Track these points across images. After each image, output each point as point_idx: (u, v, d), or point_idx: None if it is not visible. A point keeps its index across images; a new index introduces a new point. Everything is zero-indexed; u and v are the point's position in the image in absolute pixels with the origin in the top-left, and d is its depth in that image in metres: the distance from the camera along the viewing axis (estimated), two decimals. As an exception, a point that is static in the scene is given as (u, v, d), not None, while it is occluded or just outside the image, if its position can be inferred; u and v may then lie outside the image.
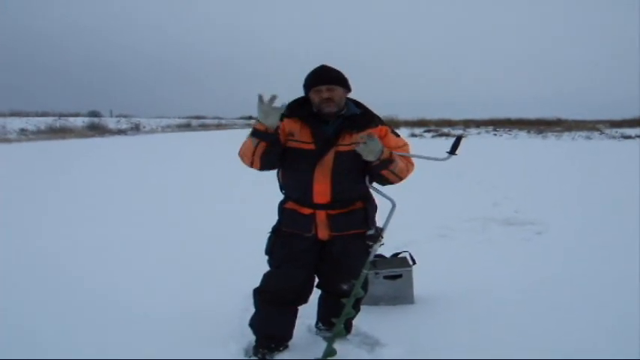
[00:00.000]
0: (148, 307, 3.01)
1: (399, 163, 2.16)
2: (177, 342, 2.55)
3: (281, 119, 2.17)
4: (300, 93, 2.29)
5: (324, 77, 2.18)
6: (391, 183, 2.22)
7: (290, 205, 2.29)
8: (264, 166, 2.18)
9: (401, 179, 2.22)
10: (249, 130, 2.18)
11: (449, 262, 3.89)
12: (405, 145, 2.30)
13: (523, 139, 25.29)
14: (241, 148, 2.19)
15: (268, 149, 2.08)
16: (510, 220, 5.36)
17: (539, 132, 28.93)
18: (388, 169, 2.12)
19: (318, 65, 2.25)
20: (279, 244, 2.31)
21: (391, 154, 2.12)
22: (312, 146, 2.16)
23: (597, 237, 4.64)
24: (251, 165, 2.17)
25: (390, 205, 2.26)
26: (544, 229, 4.96)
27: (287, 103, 2.17)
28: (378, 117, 2.32)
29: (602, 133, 27.23)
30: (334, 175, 2.16)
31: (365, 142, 2.01)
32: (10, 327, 2.79)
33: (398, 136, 2.32)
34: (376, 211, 2.38)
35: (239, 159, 2.22)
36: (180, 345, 2.52)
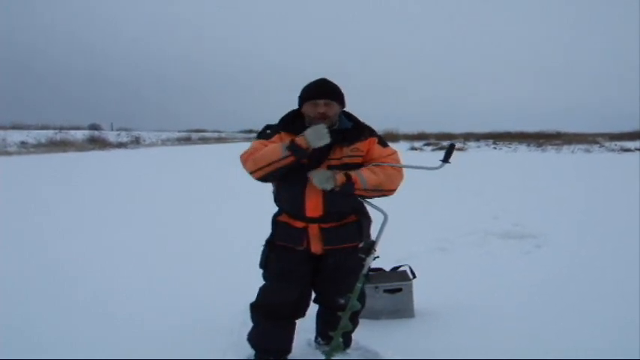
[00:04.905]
0: (145, 316, 3.04)
1: (370, 179, 2.11)
2: (174, 351, 2.56)
3: (277, 133, 2.20)
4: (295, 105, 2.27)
5: (324, 91, 2.18)
6: (382, 196, 2.19)
7: (283, 217, 2.29)
8: (267, 178, 2.16)
9: (389, 191, 2.18)
10: (248, 143, 2.20)
11: (449, 276, 3.87)
12: (393, 154, 2.26)
13: (523, 152, 25.36)
14: (253, 153, 2.15)
15: (291, 165, 2.08)
16: (510, 233, 5.34)
17: (539, 145, 29.03)
18: (356, 189, 2.09)
19: (318, 78, 2.24)
20: (274, 257, 2.30)
21: (349, 177, 2.08)
22: (305, 160, 2.15)
23: (597, 249, 4.63)
24: (254, 171, 2.13)
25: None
26: (544, 242, 4.95)
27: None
28: (369, 129, 2.30)
29: (601, 146, 27.31)
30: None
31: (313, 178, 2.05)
32: (10, 328, 2.86)
33: (386, 146, 2.29)
34: (371, 224, 2.37)
35: (241, 161, 2.18)
36: (178, 353, 2.53)
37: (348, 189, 2.08)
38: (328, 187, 2.05)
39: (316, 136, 2.04)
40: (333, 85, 2.23)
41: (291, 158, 2.06)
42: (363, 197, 2.20)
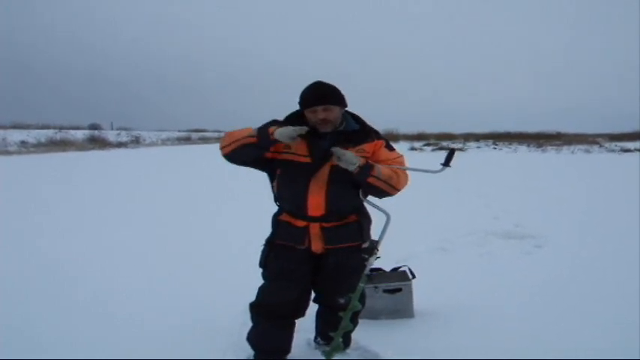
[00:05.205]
0: (145, 316, 3.04)
1: (383, 170, 2.16)
2: (174, 351, 2.56)
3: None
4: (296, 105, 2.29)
5: (320, 98, 2.15)
6: (387, 194, 2.22)
7: (284, 217, 2.30)
8: (232, 157, 2.17)
9: (394, 188, 2.21)
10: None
11: (449, 276, 3.87)
12: (399, 157, 2.30)
13: (523, 152, 25.36)
14: (234, 131, 2.20)
15: (251, 145, 2.09)
16: (510, 234, 5.35)
17: (539, 146, 29.04)
18: (372, 175, 2.12)
19: (313, 81, 2.22)
20: (273, 256, 2.30)
21: (367, 160, 2.14)
22: (308, 159, 2.16)
23: (597, 250, 4.63)
24: (223, 147, 2.17)
25: (385, 219, 2.26)
26: (544, 243, 4.95)
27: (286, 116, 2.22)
28: (375, 132, 2.32)
29: (601, 146, 27.32)
30: (329, 189, 2.17)
31: (339, 157, 2.07)
32: (10, 328, 2.87)
33: (392, 149, 2.32)
34: (370, 224, 2.38)
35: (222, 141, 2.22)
36: (178, 353, 2.54)
37: (365, 171, 2.11)
38: (356, 163, 2.08)
39: (286, 131, 2.05)
40: (330, 88, 2.20)
41: (254, 139, 2.08)
42: (372, 187, 2.19)
